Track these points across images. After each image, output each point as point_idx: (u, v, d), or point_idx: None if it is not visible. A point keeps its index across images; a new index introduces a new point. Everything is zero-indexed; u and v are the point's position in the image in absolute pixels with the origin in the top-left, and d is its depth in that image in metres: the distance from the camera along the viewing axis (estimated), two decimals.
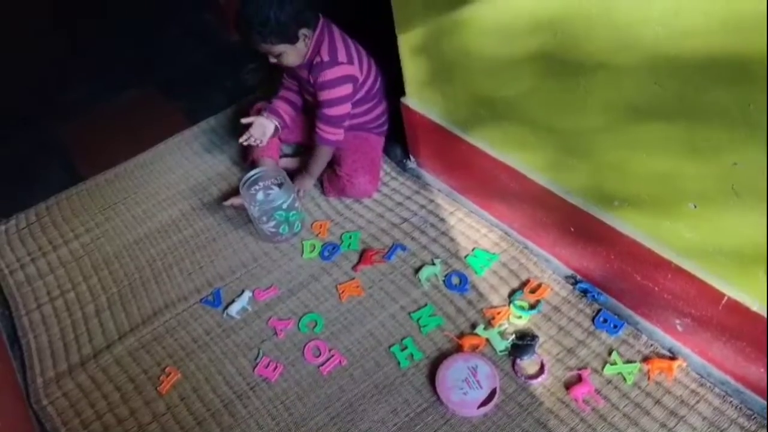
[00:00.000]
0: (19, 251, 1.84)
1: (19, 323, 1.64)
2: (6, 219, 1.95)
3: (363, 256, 1.62)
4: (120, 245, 1.81)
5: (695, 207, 1.07)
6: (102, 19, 2.82)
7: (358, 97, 1.71)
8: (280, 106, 1.81)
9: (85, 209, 1.95)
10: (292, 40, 1.57)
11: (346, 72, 1.64)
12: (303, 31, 1.57)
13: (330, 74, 1.62)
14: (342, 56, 1.63)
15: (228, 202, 1.77)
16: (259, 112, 1.85)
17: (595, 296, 1.42)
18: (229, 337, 1.51)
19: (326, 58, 1.62)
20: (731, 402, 1.21)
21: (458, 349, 1.38)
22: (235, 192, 1.84)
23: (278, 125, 1.77)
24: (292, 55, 1.60)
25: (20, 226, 1.92)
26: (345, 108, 1.69)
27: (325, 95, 1.65)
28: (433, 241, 1.63)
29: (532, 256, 1.54)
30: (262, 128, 1.75)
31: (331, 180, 1.80)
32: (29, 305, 1.68)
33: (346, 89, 1.65)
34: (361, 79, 1.69)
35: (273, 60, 1.63)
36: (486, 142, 1.50)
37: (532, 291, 1.46)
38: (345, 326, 1.48)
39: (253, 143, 1.75)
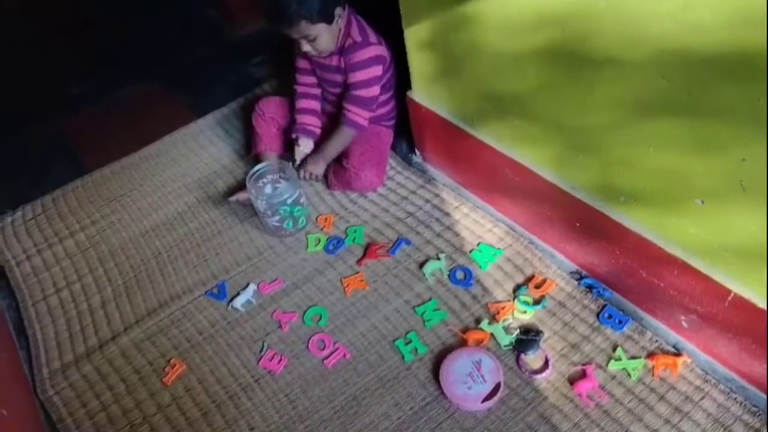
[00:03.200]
0: (26, 242, 1.85)
1: (26, 314, 1.65)
2: (13, 210, 1.96)
3: (368, 250, 1.62)
4: (126, 237, 1.81)
5: (702, 203, 1.07)
6: (107, 12, 2.83)
7: (382, 82, 1.71)
8: (309, 120, 1.81)
9: (91, 201, 1.96)
10: (330, 18, 1.54)
11: (377, 52, 1.64)
12: (338, 11, 1.56)
13: (362, 54, 1.62)
14: (373, 37, 1.65)
15: (233, 198, 1.77)
16: (263, 115, 1.86)
17: (600, 292, 1.42)
18: (234, 330, 1.51)
19: (359, 39, 1.62)
20: (736, 398, 1.20)
21: (462, 343, 1.39)
22: (240, 185, 1.84)
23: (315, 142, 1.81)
24: (327, 37, 1.57)
25: (27, 218, 1.93)
26: (375, 90, 1.68)
27: (358, 76, 1.65)
28: (437, 235, 1.63)
29: (537, 252, 1.54)
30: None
31: (337, 173, 1.79)
32: (36, 296, 1.69)
33: (377, 70, 1.65)
34: (388, 62, 1.69)
35: (306, 47, 1.58)
36: (492, 137, 1.50)
37: (537, 286, 1.46)
38: (349, 320, 1.48)
39: (314, 180, 1.79)
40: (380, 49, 1.65)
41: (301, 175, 1.77)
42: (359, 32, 1.63)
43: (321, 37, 1.56)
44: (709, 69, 0.91)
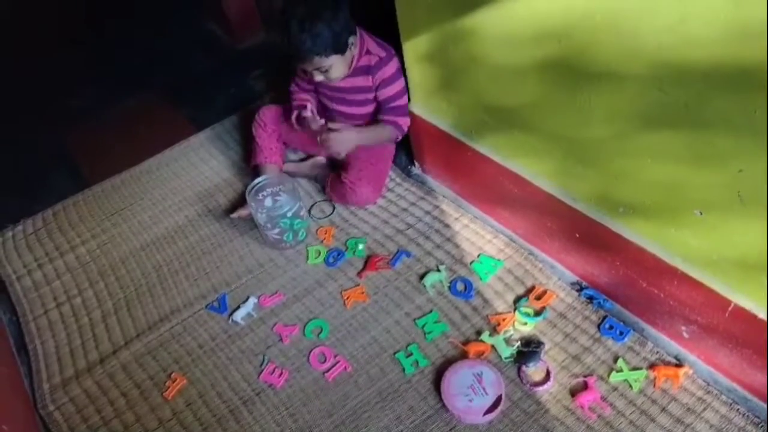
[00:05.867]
0: (27, 257, 1.85)
1: (27, 329, 1.65)
2: (13, 224, 1.96)
3: (368, 262, 1.62)
4: (126, 251, 1.81)
5: (701, 214, 1.07)
6: (108, 25, 2.85)
7: None
8: (307, 101, 1.77)
9: (91, 215, 1.96)
10: (343, 49, 1.56)
11: (398, 65, 1.66)
12: (351, 39, 1.57)
13: (389, 69, 1.65)
14: (391, 50, 1.66)
15: (235, 214, 1.77)
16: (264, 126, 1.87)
17: (601, 303, 1.42)
18: (235, 343, 1.51)
19: (383, 54, 1.65)
20: (738, 410, 1.20)
21: (463, 355, 1.38)
22: (240, 198, 1.84)
23: (311, 108, 1.73)
24: (340, 66, 1.59)
25: (27, 232, 1.93)
26: (406, 99, 1.69)
27: (391, 90, 1.66)
28: (437, 247, 1.63)
29: (537, 263, 1.54)
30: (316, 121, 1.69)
31: (334, 185, 1.79)
32: (36, 311, 1.69)
33: (402, 82, 1.67)
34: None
35: (319, 77, 1.59)
36: (491, 148, 1.50)
37: (538, 297, 1.46)
38: (350, 332, 1.48)
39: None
40: (398, 61, 1.67)
41: (321, 140, 1.67)
42: (379, 47, 1.65)
43: (334, 67, 1.58)
44: (706, 81, 0.92)
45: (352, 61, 1.63)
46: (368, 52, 1.64)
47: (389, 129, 1.72)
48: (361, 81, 1.67)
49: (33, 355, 1.58)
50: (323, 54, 1.52)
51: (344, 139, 1.68)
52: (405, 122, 1.72)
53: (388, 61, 1.64)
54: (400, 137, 1.77)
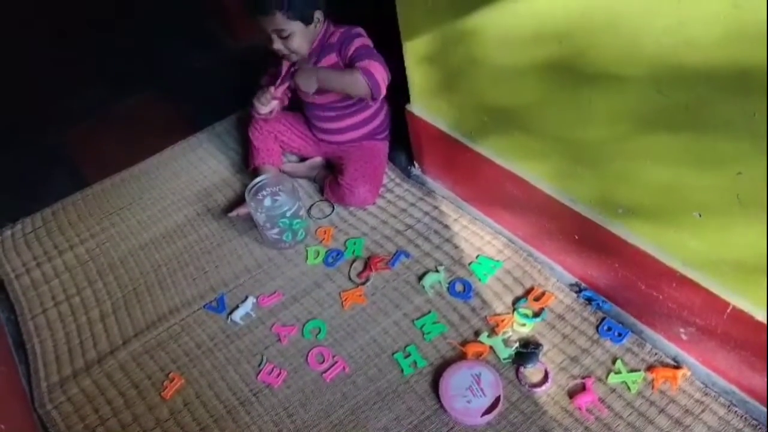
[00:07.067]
0: (25, 256, 1.85)
1: (25, 328, 1.65)
2: (12, 224, 1.96)
3: (368, 263, 1.62)
4: (125, 250, 1.81)
5: (700, 216, 1.07)
6: (107, 24, 2.84)
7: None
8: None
9: (90, 214, 1.96)
10: (307, 19, 1.54)
11: (362, 32, 1.65)
12: (318, 15, 1.57)
13: (354, 33, 1.63)
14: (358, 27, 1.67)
15: (233, 213, 1.77)
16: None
17: (600, 304, 1.42)
18: (233, 343, 1.51)
19: (342, 29, 1.64)
20: (736, 412, 1.20)
21: (462, 356, 1.38)
22: (239, 198, 1.84)
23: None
24: (301, 38, 1.56)
25: (26, 231, 1.93)
26: (378, 54, 1.59)
27: (356, 43, 1.60)
28: (436, 248, 1.63)
29: (536, 264, 1.54)
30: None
31: (332, 187, 1.79)
32: (34, 310, 1.69)
33: (369, 42, 1.64)
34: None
35: (278, 44, 1.56)
36: (491, 150, 1.50)
37: (537, 299, 1.46)
38: (348, 333, 1.48)
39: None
40: (366, 35, 1.65)
41: (285, 82, 1.65)
42: (340, 28, 1.66)
43: (295, 36, 1.55)
44: (705, 84, 0.92)
45: (314, 41, 1.62)
46: (333, 33, 1.64)
47: (357, 74, 1.53)
48: (327, 61, 1.65)
49: (31, 354, 1.58)
50: (285, 11, 1.49)
51: (306, 74, 1.58)
52: (378, 70, 1.54)
53: (353, 29, 1.63)
54: (374, 91, 1.55)
